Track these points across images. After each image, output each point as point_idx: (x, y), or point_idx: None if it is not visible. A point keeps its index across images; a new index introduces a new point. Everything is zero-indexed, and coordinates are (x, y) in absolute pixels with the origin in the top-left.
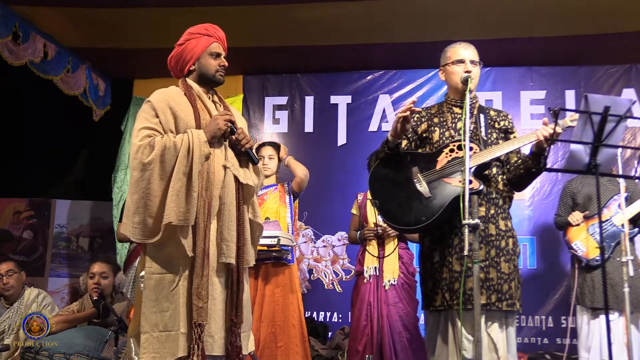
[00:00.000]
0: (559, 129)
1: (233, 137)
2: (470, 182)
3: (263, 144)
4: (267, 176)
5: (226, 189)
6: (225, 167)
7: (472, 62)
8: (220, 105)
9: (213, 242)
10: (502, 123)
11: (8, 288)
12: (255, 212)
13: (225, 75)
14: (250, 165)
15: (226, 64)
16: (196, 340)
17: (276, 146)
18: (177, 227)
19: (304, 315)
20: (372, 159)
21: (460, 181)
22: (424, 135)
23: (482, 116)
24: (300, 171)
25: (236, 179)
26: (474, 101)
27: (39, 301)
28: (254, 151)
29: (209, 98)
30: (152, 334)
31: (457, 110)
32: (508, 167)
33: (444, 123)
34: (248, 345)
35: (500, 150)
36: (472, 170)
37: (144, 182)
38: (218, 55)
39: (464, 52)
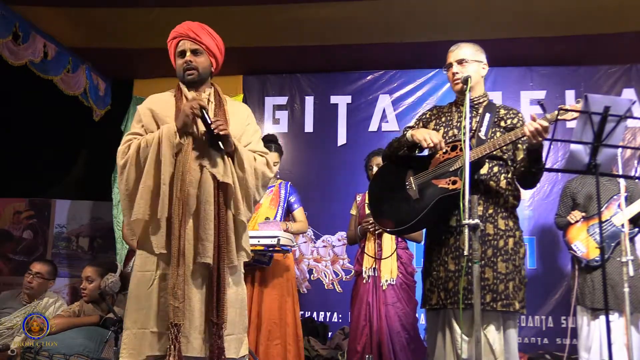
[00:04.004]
0: (545, 123)
1: (207, 119)
2: (455, 182)
3: (269, 147)
4: None
5: (203, 188)
6: (202, 166)
7: (459, 61)
8: (212, 103)
9: (190, 241)
10: (509, 121)
11: (28, 287)
12: (239, 209)
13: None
14: (233, 162)
15: (191, 59)
16: (173, 340)
17: (281, 151)
18: (150, 225)
19: (299, 316)
20: (386, 151)
21: (446, 182)
22: None
23: (487, 115)
24: (296, 230)
25: (215, 177)
26: (482, 100)
27: (55, 307)
28: (231, 140)
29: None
30: (132, 330)
31: (464, 109)
32: (514, 165)
33: (450, 122)
34: (240, 348)
35: (488, 149)
36: (459, 170)
37: (122, 183)
38: (182, 53)
39: (450, 55)
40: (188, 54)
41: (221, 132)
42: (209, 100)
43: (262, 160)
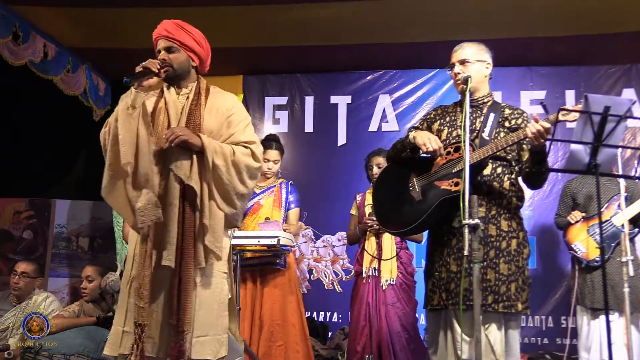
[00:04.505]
0: (547, 124)
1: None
2: (458, 183)
3: (270, 146)
4: (267, 178)
5: (169, 190)
6: (167, 168)
7: (461, 62)
8: (189, 100)
9: (157, 243)
10: (513, 122)
11: (16, 288)
12: (204, 211)
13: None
14: (203, 160)
15: (164, 57)
16: (136, 340)
17: (282, 150)
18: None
19: (305, 316)
20: (390, 152)
21: (449, 184)
22: (435, 134)
23: (492, 115)
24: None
25: (181, 179)
26: (486, 100)
27: (46, 304)
28: (194, 140)
29: (178, 93)
30: (115, 327)
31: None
32: (520, 166)
33: (454, 122)
34: (220, 349)
35: (490, 150)
36: (462, 171)
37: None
38: (159, 52)
39: (453, 55)
40: (162, 52)
41: (173, 144)
42: (187, 96)
43: (244, 151)
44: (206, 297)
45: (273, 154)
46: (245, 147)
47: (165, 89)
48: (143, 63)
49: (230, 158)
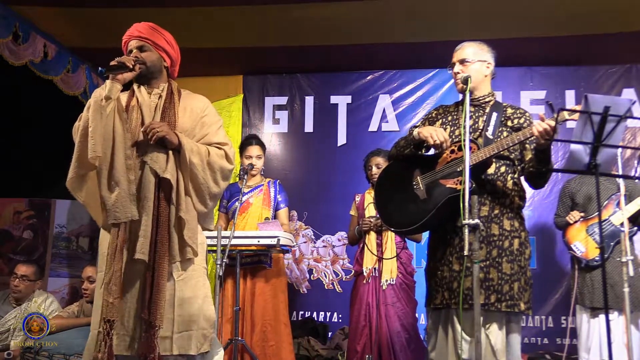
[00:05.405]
0: (553, 123)
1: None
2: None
3: (250, 142)
4: (252, 175)
5: (143, 184)
6: (143, 162)
7: (461, 61)
8: (162, 99)
9: (130, 237)
10: (515, 121)
11: (16, 291)
12: (180, 205)
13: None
14: (179, 157)
15: (137, 55)
16: (104, 337)
17: (263, 145)
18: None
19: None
20: (393, 150)
21: (454, 182)
22: None
23: (494, 114)
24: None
25: (157, 173)
26: (487, 99)
27: (45, 305)
28: (172, 137)
29: (150, 92)
30: (92, 331)
31: (471, 108)
32: (523, 165)
33: (456, 121)
34: (204, 344)
35: (496, 148)
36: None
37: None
38: (130, 52)
39: (454, 55)
40: (134, 51)
41: (152, 141)
42: (160, 95)
43: (218, 152)
44: (188, 292)
45: (255, 149)
46: (219, 148)
47: (135, 88)
48: (117, 58)
49: (206, 158)
